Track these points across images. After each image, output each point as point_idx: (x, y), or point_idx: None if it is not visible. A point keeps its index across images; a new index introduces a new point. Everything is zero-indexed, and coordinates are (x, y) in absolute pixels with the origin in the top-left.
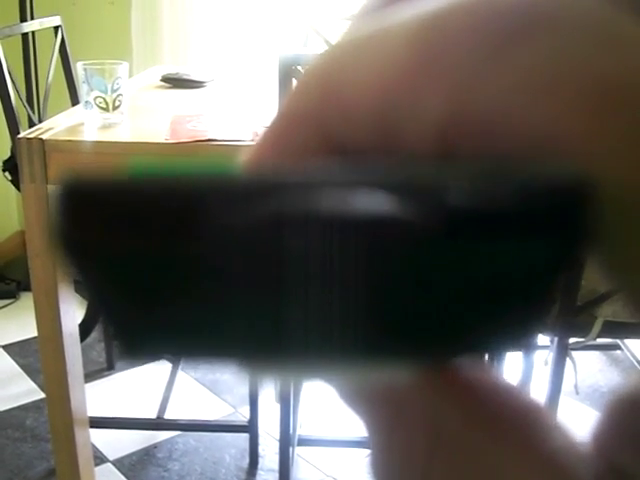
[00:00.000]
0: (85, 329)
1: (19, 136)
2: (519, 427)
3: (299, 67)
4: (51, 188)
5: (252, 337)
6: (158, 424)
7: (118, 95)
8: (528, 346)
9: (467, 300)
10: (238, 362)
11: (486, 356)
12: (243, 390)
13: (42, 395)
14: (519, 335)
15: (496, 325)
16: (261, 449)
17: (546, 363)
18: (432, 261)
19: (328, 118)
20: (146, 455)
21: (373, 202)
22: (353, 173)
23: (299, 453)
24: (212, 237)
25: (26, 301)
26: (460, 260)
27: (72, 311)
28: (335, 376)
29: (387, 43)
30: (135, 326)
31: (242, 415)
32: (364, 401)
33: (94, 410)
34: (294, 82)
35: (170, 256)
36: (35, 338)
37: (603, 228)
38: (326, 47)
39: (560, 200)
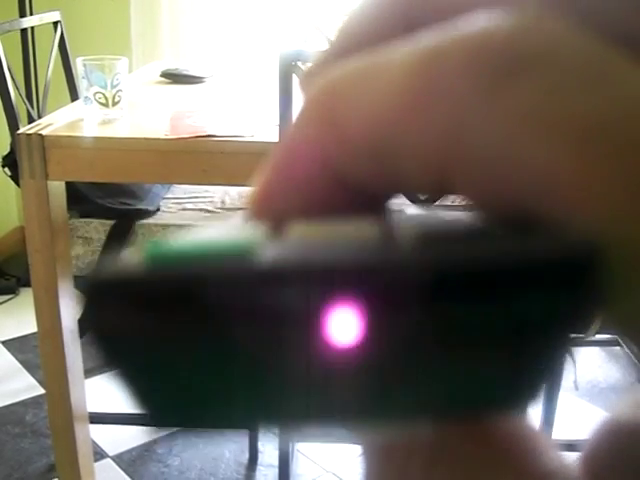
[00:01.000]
0: (85, 325)
1: (18, 132)
2: (512, 448)
3: (299, 63)
4: (51, 184)
5: (258, 410)
6: None
7: (118, 91)
8: (536, 400)
9: (473, 358)
10: (245, 429)
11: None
12: None
13: (42, 391)
14: (527, 393)
15: (505, 383)
16: (261, 445)
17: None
18: (438, 318)
19: (328, 149)
20: (146, 451)
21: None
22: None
23: (299, 448)
24: (220, 321)
25: (25, 297)
26: (463, 321)
27: (72, 307)
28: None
29: (385, 75)
30: (159, 402)
31: None
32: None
33: (94, 406)
34: (294, 79)
35: (185, 340)
36: (34, 334)
37: (613, 287)
38: (326, 43)
39: (568, 260)
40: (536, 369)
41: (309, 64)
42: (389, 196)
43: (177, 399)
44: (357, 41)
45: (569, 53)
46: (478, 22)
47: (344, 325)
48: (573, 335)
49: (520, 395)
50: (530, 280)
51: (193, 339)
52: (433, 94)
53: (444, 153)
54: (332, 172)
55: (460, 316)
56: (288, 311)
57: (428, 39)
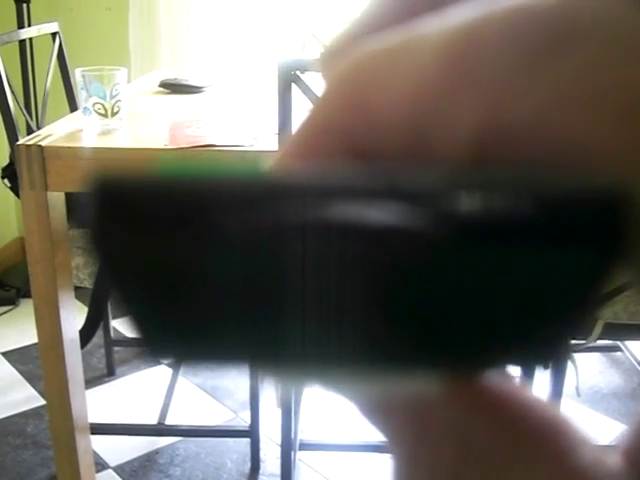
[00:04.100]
0: (85, 335)
1: (18, 143)
2: (548, 442)
3: (298, 72)
4: (50, 195)
5: (254, 343)
6: (159, 430)
7: (117, 101)
8: (556, 361)
9: (491, 312)
10: (239, 367)
11: (514, 370)
12: (244, 395)
13: (42, 402)
14: (548, 350)
15: (524, 338)
16: (262, 454)
17: (547, 366)
18: (456, 270)
19: (354, 129)
20: (147, 461)
21: (386, 211)
22: (364, 179)
23: (300, 458)
24: (220, 241)
25: (25, 308)
26: (486, 270)
27: (72, 317)
28: (336, 384)
29: (418, 53)
30: (154, 325)
31: (243, 420)
32: (387, 415)
33: (95, 416)
34: (294, 88)
35: (180, 257)
36: (35, 345)
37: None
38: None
39: (596, 212)
40: (558, 326)
41: (328, 42)
42: None
43: (173, 325)
44: (379, 19)
45: (613, 28)
46: None
47: (349, 256)
48: (599, 292)
49: (539, 353)
50: (557, 232)
51: (195, 261)
52: (471, 70)
53: (482, 126)
54: (355, 153)
55: (483, 263)
56: (291, 230)
57: (462, 15)
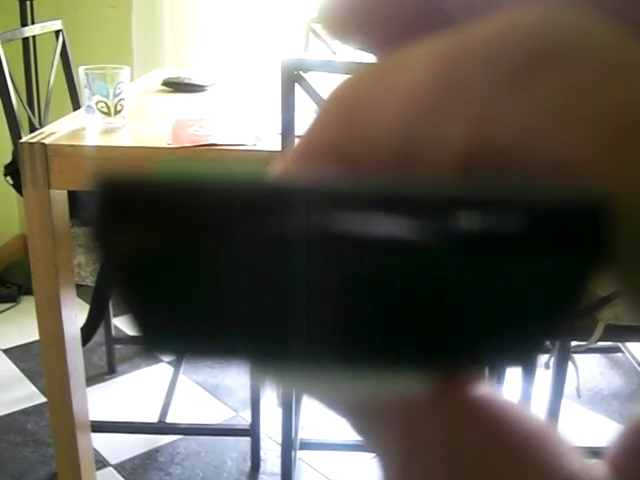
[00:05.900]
0: (87, 333)
1: (21, 141)
2: (534, 451)
3: (301, 71)
4: (53, 193)
5: (258, 340)
6: (160, 428)
7: (120, 100)
8: (535, 363)
9: (476, 315)
10: (243, 363)
11: (494, 371)
12: (244, 394)
13: (43, 399)
14: (531, 351)
15: (507, 340)
16: (263, 453)
17: (548, 367)
18: (443, 275)
19: (349, 146)
20: (148, 459)
21: (384, 219)
22: (366, 188)
23: (301, 457)
24: (223, 241)
25: (27, 305)
26: (474, 276)
27: (74, 315)
28: (337, 385)
29: (407, 70)
30: (155, 323)
31: (244, 419)
32: (377, 424)
33: (95, 414)
34: (297, 87)
35: (188, 256)
36: (36, 342)
37: (619, 249)
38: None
39: (577, 220)
40: (536, 332)
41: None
42: None
43: (173, 322)
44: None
45: (591, 45)
46: (499, 17)
47: (347, 255)
48: (581, 297)
49: (521, 354)
50: (537, 239)
51: (195, 258)
52: (457, 87)
53: (468, 143)
54: (351, 170)
55: (465, 272)
56: (290, 233)
57: (450, 35)
